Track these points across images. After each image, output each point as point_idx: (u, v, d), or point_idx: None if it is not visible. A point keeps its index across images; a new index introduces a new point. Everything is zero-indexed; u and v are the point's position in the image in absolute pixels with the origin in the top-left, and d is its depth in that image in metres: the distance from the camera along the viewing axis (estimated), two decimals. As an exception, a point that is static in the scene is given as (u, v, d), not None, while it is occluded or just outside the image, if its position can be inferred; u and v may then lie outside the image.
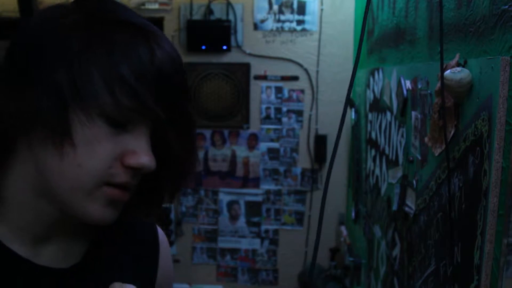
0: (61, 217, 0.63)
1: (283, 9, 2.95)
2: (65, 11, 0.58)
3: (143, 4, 2.97)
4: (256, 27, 2.97)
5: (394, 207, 1.56)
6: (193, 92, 3.03)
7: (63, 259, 0.66)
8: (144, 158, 0.58)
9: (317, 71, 2.97)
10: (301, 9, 2.94)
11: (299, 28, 2.95)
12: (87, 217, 0.60)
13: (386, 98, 1.75)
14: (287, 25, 2.96)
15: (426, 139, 1.17)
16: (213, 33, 2.93)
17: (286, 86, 3.01)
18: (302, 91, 3.00)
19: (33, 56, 0.56)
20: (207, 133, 3.07)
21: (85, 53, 0.54)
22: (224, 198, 3.12)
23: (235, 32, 2.96)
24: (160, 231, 0.82)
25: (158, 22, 3.00)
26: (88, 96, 0.54)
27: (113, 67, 0.54)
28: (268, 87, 3.01)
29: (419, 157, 1.28)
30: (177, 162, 0.65)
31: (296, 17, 2.95)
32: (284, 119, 3.03)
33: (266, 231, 3.13)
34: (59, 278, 0.65)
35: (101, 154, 0.57)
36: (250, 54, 2.98)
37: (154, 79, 0.57)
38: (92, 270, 0.69)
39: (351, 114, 2.68)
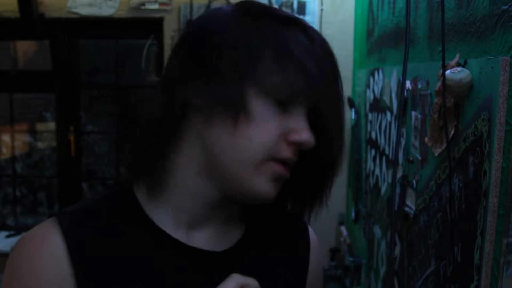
0: (219, 201, 0.66)
1: (283, 9, 2.95)
2: (234, 9, 0.65)
3: (143, 4, 2.97)
4: (256, 27, 2.97)
5: (394, 207, 1.56)
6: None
7: (215, 244, 0.69)
8: (306, 134, 0.63)
9: (317, 71, 2.97)
10: (301, 9, 2.94)
11: (299, 28, 2.95)
12: (252, 191, 0.63)
13: (386, 98, 1.75)
14: (287, 25, 2.96)
15: (426, 139, 1.17)
16: (213, 33, 2.92)
17: (286, 86, 3.00)
18: (302, 91, 3.00)
19: (217, 45, 0.62)
20: (207, 133, 3.07)
21: (260, 38, 0.61)
22: (224, 198, 3.12)
23: (235, 32, 2.96)
24: (311, 231, 0.84)
25: (158, 22, 3.00)
26: (262, 73, 0.60)
27: (284, 48, 0.61)
28: (268, 87, 3.01)
29: (419, 157, 1.28)
30: (331, 146, 0.71)
31: (296, 17, 2.95)
32: (284, 119, 3.02)
33: (266, 231, 3.12)
34: (209, 260, 0.68)
35: (270, 130, 0.62)
36: (250, 54, 2.98)
37: (316, 59, 0.63)
38: (243, 258, 0.71)
39: (351, 114, 2.68)
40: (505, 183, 0.79)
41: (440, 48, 1.02)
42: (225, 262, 0.69)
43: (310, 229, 0.84)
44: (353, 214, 2.58)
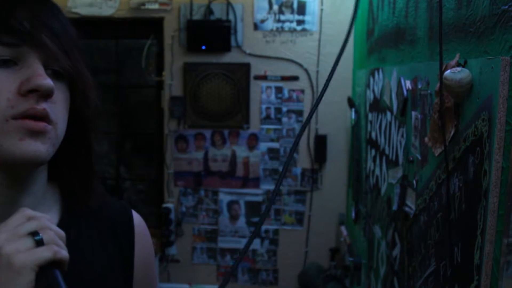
0: (4, 177, 0.66)
1: (283, 9, 2.95)
2: None
3: (143, 4, 2.97)
4: (256, 27, 2.97)
5: (394, 207, 1.56)
6: (193, 92, 3.03)
7: None
8: (39, 78, 0.62)
9: (317, 71, 2.97)
10: (301, 9, 2.94)
11: (299, 28, 2.95)
12: (9, 153, 0.62)
13: (386, 98, 1.75)
14: (287, 25, 2.96)
15: (426, 139, 1.17)
16: (213, 33, 2.93)
17: (286, 86, 3.01)
18: (302, 91, 3.00)
19: None
20: (207, 133, 3.07)
21: None
22: (224, 198, 3.12)
23: (235, 32, 2.96)
24: (135, 214, 0.85)
25: (158, 22, 3.00)
26: None
27: None
28: (268, 87, 3.01)
29: (419, 157, 1.28)
30: (78, 81, 0.70)
31: (296, 17, 2.95)
32: (284, 119, 3.03)
33: (266, 231, 3.13)
34: None
35: None
36: (250, 54, 2.98)
37: (13, 8, 0.63)
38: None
39: (351, 114, 2.68)
40: (505, 183, 0.79)
41: (440, 48, 1.02)
42: None
43: (135, 213, 0.85)
44: (353, 214, 2.58)
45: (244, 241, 3.14)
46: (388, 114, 1.71)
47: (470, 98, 0.92)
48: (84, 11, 2.96)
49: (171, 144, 3.10)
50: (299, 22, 2.95)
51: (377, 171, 1.92)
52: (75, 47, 0.71)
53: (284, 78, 3.00)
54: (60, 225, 0.72)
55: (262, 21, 2.96)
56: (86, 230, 0.77)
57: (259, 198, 3.10)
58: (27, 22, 0.64)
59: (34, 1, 0.67)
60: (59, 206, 0.77)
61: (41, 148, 0.64)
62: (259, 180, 3.09)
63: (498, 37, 0.83)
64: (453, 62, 0.99)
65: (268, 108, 3.02)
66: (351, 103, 2.66)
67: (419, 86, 1.28)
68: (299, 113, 3.02)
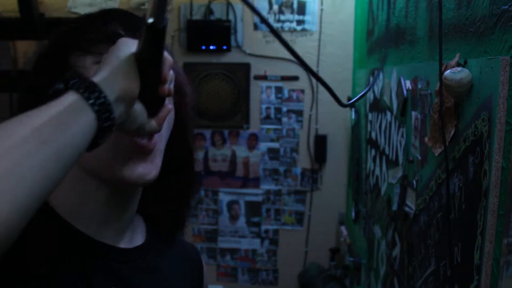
0: (111, 197, 0.66)
1: (283, 9, 2.95)
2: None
3: (143, 4, 2.97)
4: (256, 27, 2.97)
5: (394, 207, 1.56)
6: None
7: (122, 242, 0.71)
8: None
9: (317, 71, 2.97)
10: (301, 9, 2.94)
11: (299, 28, 2.95)
12: (117, 174, 0.63)
13: (386, 98, 1.75)
14: (287, 25, 2.96)
15: (426, 139, 1.17)
16: (213, 33, 2.93)
17: (286, 86, 3.01)
18: (302, 91, 3.00)
19: None
20: (207, 133, 3.07)
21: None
22: (224, 198, 3.12)
23: (235, 32, 2.96)
24: (199, 251, 0.90)
25: (158, 22, 3.00)
26: None
27: None
28: (268, 87, 3.01)
29: (419, 157, 1.28)
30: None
31: (296, 17, 2.95)
32: (284, 119, 3.03)
33: (266, 231, 3.13)
34: (114, 254, 0.69)
35: None
36: (250, 54, 2.98)
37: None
38: (145, 257, 0.74)
39: (351, 114, 2.68)
40: (505, 183, 0.79)
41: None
42: (130, 260, 0.70)
43: (198, 249, 0.91)
44: (353, 214, 2.58)
45: (244, 241, 3.14)
46: (388, 114, 1.71)
47: (470, 98, 0.92)
48: (84, 11, 2.96)
49: (171, 144, 3.09)
50: (299, 22, 2.95)
51: (377, 171, 1.92)
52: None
53: (284, 78, 3.00)
54: (145, 245, 0.75)
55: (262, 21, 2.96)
56: (169, 256, 0.79)
57: (259, 198, 3.10)
58: (122, 30, 0.65)
59: (124, 15, 0.69)
60: (143, 228, 0.78)
61: (150, 168, 0.64)
62: (259, 180, 3.09)
63: (498, 37, 0.83)
64: (453, 62, 0.99)
65: (268, 108, 3.02)
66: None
67: (419, 86, 1.28)
68: (299, 113, 3.02)
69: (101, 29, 0.65)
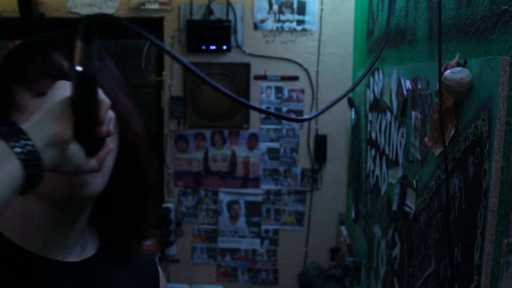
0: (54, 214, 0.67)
1: (283, 9, 2.95)
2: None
3: (143, 4, 2.97)
4: (256, 27, 2.97)
5: (394, 207, 1.56)
6: (193, 92, 3.03)
7: (71, 256, 0.71)
8: None
9: (317, 71, 2.97)
10: (301, 9, 2.94)
11: (299, 28, 2.95)
12: (63, 188, 0.64)
13: (386, 98, 1.75)
14: (287, 25, 2.96)
15: (426, 139, 1.17)
16: (213, 33, 2.93)
17: (286, 86, 3.01)
18: (302, 91, 3.00)
19: None
20: (207, 133, 3.07)
21: None
22: (224, 198, 3.12)
23: (235, 32, 2.96)
24: (158, 266, 0.89)
25: (158, 22, 3.00)
26: None
27: None
28: (268, 87, 3.01)
29: (419, 157, 1.28)
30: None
31: (296, 17, 2.95)
32: (284, 119, 3.02)
33: (266, 231, 3.13)
34: (62, 269, 0.69)
35: None
36: (250, 54, 2.98)
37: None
38: (96, 269, 0.73)
39: (351, 114, 2.68)
40: (505, 183, 0.79)
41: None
42: (76, 273, 0.70)
43: (156, 261, 0.90)
44: (353, 214, 2.58)
45: (244, 241, 3.14)
46: (388, 114, 1.71)
47: (470, 98, 0.92)
48: (84, 11, 2.96)
49: (171, 144, 3.09)
50: (299, 22, 2.95)
51: (377, 171, 1.92)
52: (112, 79, 0.74)
53: (284, 78, 3.00)
54: (94, 258, 0.74)
55: (262, 21, 2.96)
56: (123, 268, 0.79)
57: (259, 198, 3.10)
58: (65, 63, 0.65)
59: (68, 41, 0.67)
60: (96, 241, 0.78)
61: (98, 181, 0.65)
62: (259, 180, 3.08)
63: (498, 37, 0.83)
64: (453, 62, 0.99)
65: (268, 108, 3.02)
66: (351, 103, 2.66)
67: (419, 86, 1.28)
68: (299, 113, 3.02)
69: (41, 65, 0.65)
